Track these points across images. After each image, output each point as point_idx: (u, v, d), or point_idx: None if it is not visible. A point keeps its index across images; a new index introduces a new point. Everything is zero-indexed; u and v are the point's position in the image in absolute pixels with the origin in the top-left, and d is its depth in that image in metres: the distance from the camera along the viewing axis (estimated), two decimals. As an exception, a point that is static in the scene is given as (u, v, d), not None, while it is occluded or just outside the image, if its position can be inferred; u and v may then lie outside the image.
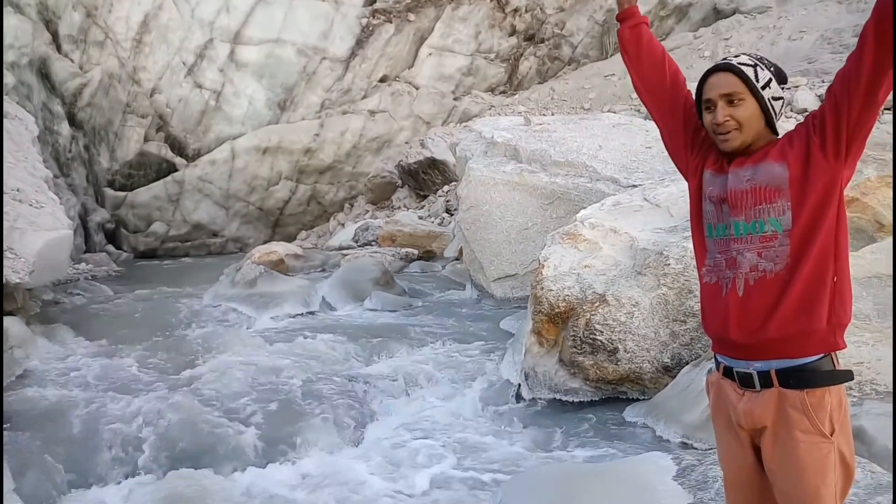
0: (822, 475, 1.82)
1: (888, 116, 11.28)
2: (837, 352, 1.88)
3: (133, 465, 4.41)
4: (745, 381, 1.91)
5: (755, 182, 1.89)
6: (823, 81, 13.88)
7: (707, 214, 2.01)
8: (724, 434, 2.02)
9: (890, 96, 1.85)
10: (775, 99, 1.93)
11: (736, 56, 1.98)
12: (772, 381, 1.86)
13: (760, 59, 1.96)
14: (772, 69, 1.95)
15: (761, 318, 1.87)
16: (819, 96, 12.82)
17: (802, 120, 1.92)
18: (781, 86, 1.95)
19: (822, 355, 1.86)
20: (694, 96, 2.05)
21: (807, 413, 1.82)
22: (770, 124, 1.94)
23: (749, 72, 1.91)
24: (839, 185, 1.85)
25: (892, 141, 6.71)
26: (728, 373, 1.97)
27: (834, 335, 1.86)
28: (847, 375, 1.89)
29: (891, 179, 6.30)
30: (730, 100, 1.90)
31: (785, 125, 2.08)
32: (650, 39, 2.17)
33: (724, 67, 1.94)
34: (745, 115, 1.90)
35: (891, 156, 6.85)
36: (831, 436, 1.82)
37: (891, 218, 5.82)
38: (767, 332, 1.86)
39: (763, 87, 1.91)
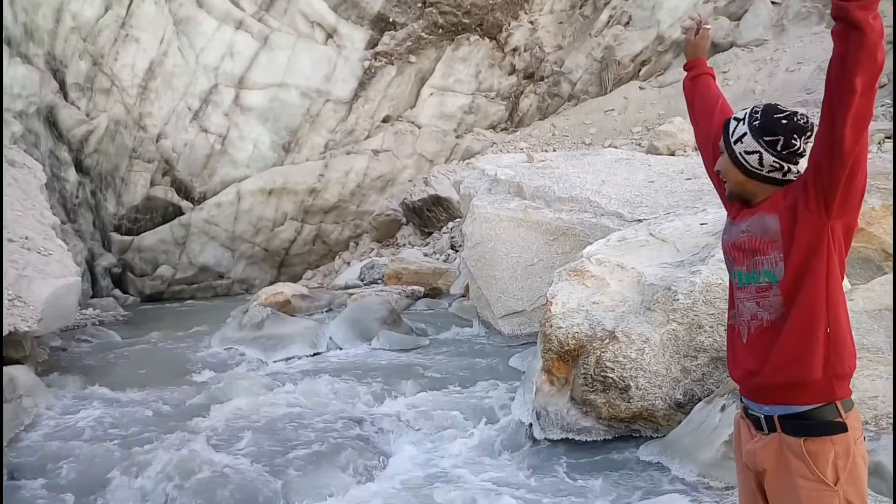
0: None
1: (889, 144, 11.34)
2: (843, 400, 1.89)
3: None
4: (756, 424, 1.97)
5: (750, 234, 1.96)
6: (823, 111, 14.01)
7: (726, 263, 2.12)
8: (739, 473, 2.08)
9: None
10: (748, 153, 1.95)
11: (751, 108, 2.04)
12: (775, 426, 1.91)
13: (752, 114, 1.98)
14: (755, 122, 1.95)
15: (758, 364, 1.94)
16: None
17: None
18: (767, 138, 1.94)
19: (821, 404, 1.87)
20: None
21: (804, 460, 1.83)
22: (755, 176, 1.96)
23: (732, 125, 2.00)
24: (826, 238, 1.86)
25: (893, 170, 6.74)
26: (746, 412, 2.04)
27: (832, 386, 1.87)
28: (841, 427, 1.87)
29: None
30: (719, 150, 2.05)
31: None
32: (706, 87, 2.30)
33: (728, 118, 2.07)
34: (722, 166, 2.03)
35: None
36: (835, 484, 1.81)
37: (898, 247, 5.82)
38: (762, 377, 1.92)
39: (735, 141, 1.97)
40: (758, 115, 1.97)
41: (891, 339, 4.01)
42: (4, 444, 5.09)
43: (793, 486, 1.84)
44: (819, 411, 1.86)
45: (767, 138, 1.94)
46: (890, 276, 4.52)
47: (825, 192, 1.82)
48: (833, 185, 1.80)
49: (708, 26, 2.27)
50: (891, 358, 3.93)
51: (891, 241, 6.14)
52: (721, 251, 2.16)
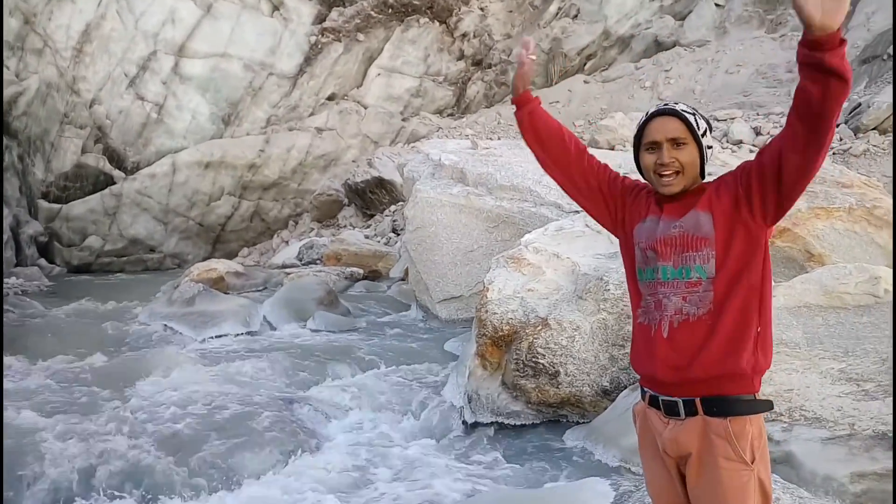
0: (743, 501, 1.89)
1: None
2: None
3: (56, 495, 4.21)
4: (671, 410, 1.99)
5: (683, 229, 1.97)
6: (758, 114, 14.46)
7: (638, 260, 2.08)
8: (651, 462, 2.08)
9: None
10: (709, 147, 2.04)
11: (675, 104, 2.06)
12: (696, 410, 1.94)
13: (696, 110, 2.06)
14: (704, 119, 2.05)
15: (686, 359, 1.95)
16: (753, 128, 13.33)
17: (733, 169, 1.99)
18: (712, 134, 2.08)
19: (743, 395, 1.94)
20: (633, 138, 2.12)
21: (729, 440, 1.89)
22: (701, 171, 2.03)
23: (691, 119, 2.00)
24: (764, 241, 1.94)
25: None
26: (654, 402, 2.04)
27: (752, 381, 1.95)
28: (767, 405, 1.99)
29: (820, 211, 6.57)
30: (675, 143, 1.99)
31: (721, 156, 2.18)
32: (546, 118, 2.24)
33: (669, 112, 2.02)
34: (687, 160, 1.99)
35: (820, 188, 7.16)
36: (752, 463, 1.90)
37: (819, 248, 6.07)
38: (692, 371, 1.94)
39: (702, 135, 2.01)
40: (699, 112, 2.06)
41: (807, 336, 4.19)
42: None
43: (714, 466, 1.89)
44: (739, 397, 1.93)
45: (712, 134, 2.05)
46: (810, 275, 4.71)
47: (779, 204, 1.88)
48: (791, 199, 1.88)
49: (534, 56, 2.17)
50: (807, 353, 4.11)
51: (814, 242, 6.40)
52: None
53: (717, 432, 1.90)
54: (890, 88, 12.55)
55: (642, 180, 2.14)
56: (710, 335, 1.92)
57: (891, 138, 11.78)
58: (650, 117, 2.04)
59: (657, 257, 2.00)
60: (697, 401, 1.93)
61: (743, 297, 1.92)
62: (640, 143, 2.06)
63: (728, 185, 1.96)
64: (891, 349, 3.91)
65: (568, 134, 2.23)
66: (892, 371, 3.80)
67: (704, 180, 2.05)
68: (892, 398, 3.65)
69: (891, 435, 3.45)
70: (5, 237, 15.88)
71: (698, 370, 1.92)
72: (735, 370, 1.91)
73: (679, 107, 2.03)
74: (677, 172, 1.98)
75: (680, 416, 1.96)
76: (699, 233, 1.93)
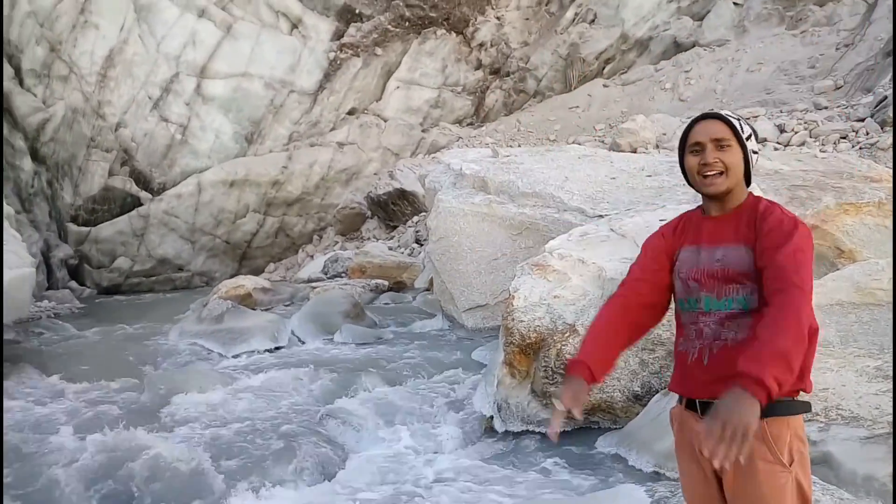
0: (780, 503, 1.87)
1: (844, 144, 11.63)
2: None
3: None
4: (707, 410, 1.95)
5: (725, 264, 1.99)
6: (781, 111, 14.29)
7: (677, 290, 2.11)
8: (688, 465, 2.08)
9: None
10: (753, 153, 2.06)
11: (720, 110, 2.11)
12: None
13: (741, 117, 2.09)
14: (749, 126, 2.08)
15: (726, 381, 1.92)
16: (777, 126, 13.16)
17: (768, 210, 1.99)
18: (756, 142, 2.09)
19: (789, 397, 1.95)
20: (678, 143, 2.15)
21: (767, 442, 1.89)
22: (747, 175, 2.05)
23: (735, 123, 2.03)
24: None
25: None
26: (690, 404, 2.05)
27: (802, 380, 1.94)
28: (805, 406, 1.98)
29: (848, 206, 6.47)
30: (719, 144, 2.01)
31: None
32: (608, 341, 2.10)
33: (713, 116, 2.05)
34: (732, 161, 2.01)
35: (849, 183, 7.05)
36: (790, 466, 1.89)
37: (850, 244, 5.97)
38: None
39: (747, 139, 2.03)
40: (744, 119, 2.09)
41: (840, 334, 4.11)
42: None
43: (752, 468, 1.88)
44: (778, 399, 1.91)
45: (756, 142, 2.07)
46: (842, 272, 4.64)
47: None
48: None
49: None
50: (841, 351, 4.04)
51: (844, 239, 6.30)
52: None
53: (755, 434, 1.88)
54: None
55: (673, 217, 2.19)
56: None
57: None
58: (694, 122, 2.08)
59: (699, 288, 2.02)
60: None
61: None
62: (685, 147, 2.08)
63: (759, 230, 1.95)
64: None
65: (623, 310, 2.13)
66: (841, 361, 3.73)
67: (750, 188, 2.07)
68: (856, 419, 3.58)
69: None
70: (36, 261, 16.19)
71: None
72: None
73: (724, 112, 2.07)
74: (721, 173, 2.00)
75: None
76: (741, 268, 1.95)
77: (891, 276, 4.31)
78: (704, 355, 1.99)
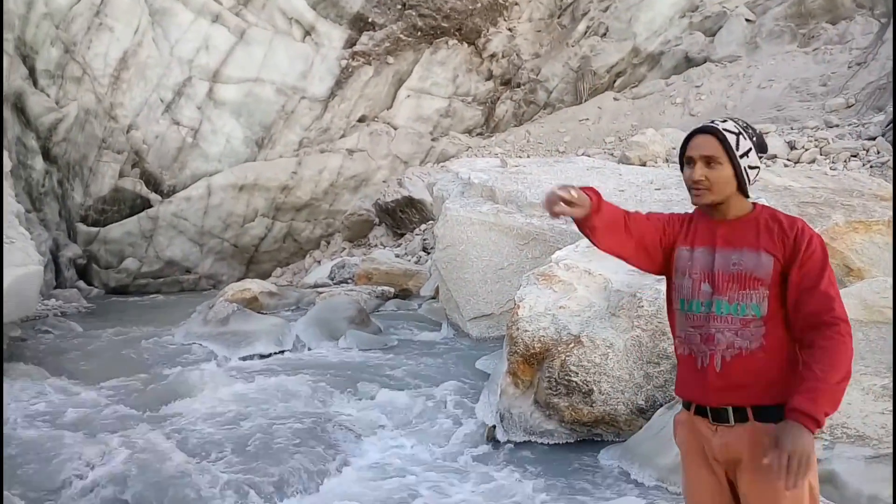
0: None
1: (854, 163, 11.59)
2: None
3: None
4: (718, 417, 2.01)
5: (741, 267, 1.99)
6: (792, 128, 14.25)
7: (682, 289, 2.09)
8: (699, 470, 2.09)
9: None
10: (751, 168, 2.05)
11: (724, 121, 2.08)
12: (747, 417, 1.97)
13: (746, 128, 2.07)
14: (754, 139, 2.05)
15: (740, 388, 1.98)
16: (788, 142, 13.11)
17: (802, 231, 1.99)
18: (760, 155, 2.07)
19: None
20: (678, 155, 2.16)
21: None
22: (742, 189, 2.05)
23: (731, 139, 2.02)
24: None
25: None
26: (700, 410, 2.06)
27: None
28: None
29: (858, 224, 6.45)
30: (708, 161, 2.02)
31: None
32: (607, 224, 2.07)
33: (709, 130, 2.05)
34: (718, 179, 2.02)
35: (858, 201, 7.03)
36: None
37: (858, 263, 5.95)
38: (745, 400, 1.98)
39: (741, 156, 2.02)
40: (752, 131, 2.06)
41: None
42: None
43: (768, 471, 1.88)
44: None
45: (760, 154, 2.07)
46: (850, 290, 4.61)
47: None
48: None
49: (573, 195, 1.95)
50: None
51: (853, 257, 6.27)
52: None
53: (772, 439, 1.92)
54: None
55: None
56: (764, 367, 1.96)
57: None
58: (692, 134, 2.10)
59: (713, 291, 2.02)
60: (749, 409, 1.97)
61: (785, 329, 1.99)
62: (683, 158, 2.11)
63: (784, 240, 1.97)
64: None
65: (632, 217, 2.12)
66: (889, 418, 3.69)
67: (749, 199, 2.08)
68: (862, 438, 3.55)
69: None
70: (45, 259, 16.26)
71: (750, 399, 1.97)
72: (786, 397, 1.92)
73: (724, 125, 2.05)
74: (707, 189, 2.02)
75: (729, 422, 1.99)
76: (758, 273, 1.96)
77: (899, 294, 4.29)
78: (717, 362, 1.99)
